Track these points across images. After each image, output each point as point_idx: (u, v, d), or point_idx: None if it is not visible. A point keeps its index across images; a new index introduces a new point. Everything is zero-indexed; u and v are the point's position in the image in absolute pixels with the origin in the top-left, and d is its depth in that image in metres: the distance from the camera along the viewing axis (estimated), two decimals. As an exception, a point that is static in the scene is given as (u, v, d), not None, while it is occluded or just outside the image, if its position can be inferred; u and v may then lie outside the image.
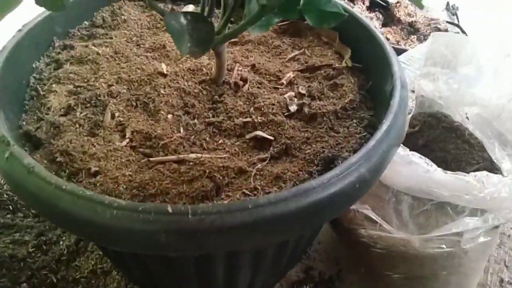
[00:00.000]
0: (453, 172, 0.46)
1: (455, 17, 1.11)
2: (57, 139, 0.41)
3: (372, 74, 0.49)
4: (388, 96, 0.43)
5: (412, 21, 1.00)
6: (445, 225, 0.53)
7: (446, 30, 0.89)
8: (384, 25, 1.02)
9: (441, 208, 0.52)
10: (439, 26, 0.91)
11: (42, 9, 0.31)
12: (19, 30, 0.47)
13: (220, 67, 0.46)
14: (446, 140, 0.66)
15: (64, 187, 0.31)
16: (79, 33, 0.54)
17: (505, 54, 0.59)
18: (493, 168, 0.63)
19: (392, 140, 0.37)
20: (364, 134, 0.43)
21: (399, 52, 0.57)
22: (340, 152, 0.41)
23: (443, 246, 0.53)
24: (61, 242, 0.63)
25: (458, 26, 1.04)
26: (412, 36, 0.96)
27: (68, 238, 0.63)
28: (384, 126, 0.37)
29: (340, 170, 0.33)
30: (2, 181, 0.69)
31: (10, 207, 0.67)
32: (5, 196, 0.68)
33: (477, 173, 0.46)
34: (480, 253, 0.57)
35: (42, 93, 0.46)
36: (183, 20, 0.31)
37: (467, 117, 0.64)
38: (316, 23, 0.30)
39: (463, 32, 1.01)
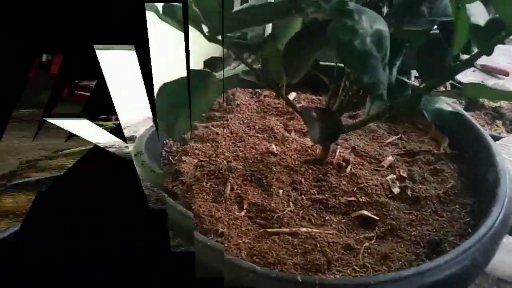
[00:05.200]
0: None
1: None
2: (189, 198, 0.47)
3: (471, 161, 0.51)
4: (491, 184, 0.44)
5: (495, 106, 1.01)
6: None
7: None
8: (466, 109, 1.04)
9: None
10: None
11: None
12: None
13: (327, 150, 0.51)
14: None
15: (256, 270, 0.36)
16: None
17: None
18: None
19: (501, 228, 0.39)
20: (467, 219, 0.45)
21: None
22: (446, 236, 0.43)
23: None
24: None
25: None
26: (497, 121, 0.97)
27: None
28: (494, 214, 0.39)
29: (455, 254, 0.35)
30: None
31: None
32: None
33: None
34: None
35: (173, 162, 0.54)
36: (314, 114, 0.37)
37: None
38: (434, 119, 0.34)
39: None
